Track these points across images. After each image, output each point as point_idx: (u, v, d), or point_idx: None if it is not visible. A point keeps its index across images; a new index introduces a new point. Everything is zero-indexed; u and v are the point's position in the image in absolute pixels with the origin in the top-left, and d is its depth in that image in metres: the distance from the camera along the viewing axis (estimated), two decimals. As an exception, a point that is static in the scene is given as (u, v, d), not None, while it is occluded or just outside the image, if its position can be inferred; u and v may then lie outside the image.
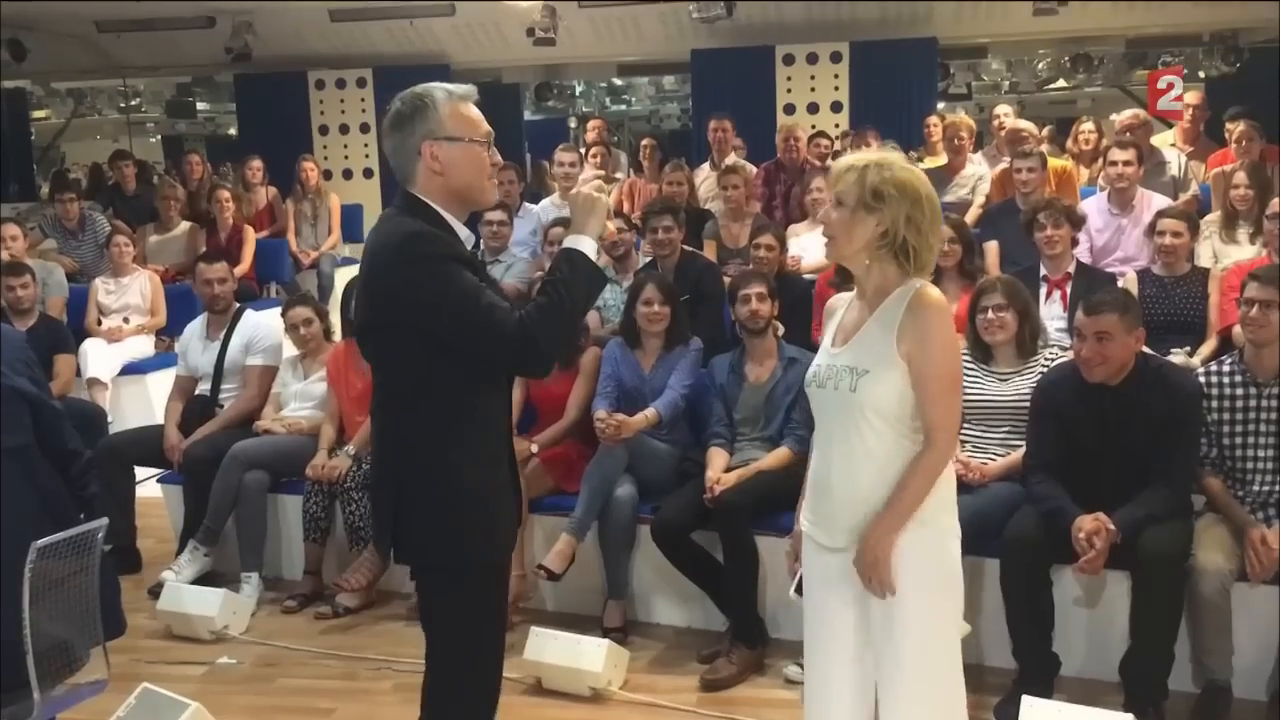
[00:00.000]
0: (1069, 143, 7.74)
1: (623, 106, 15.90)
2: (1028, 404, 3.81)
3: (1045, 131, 8.99)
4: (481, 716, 2.56)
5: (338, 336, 5.20)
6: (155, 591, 4.64)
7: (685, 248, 5.46)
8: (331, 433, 4.88)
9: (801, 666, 3.01)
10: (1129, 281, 4.92)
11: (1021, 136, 7.02)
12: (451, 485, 2.40)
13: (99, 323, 6.88)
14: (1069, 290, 4.90)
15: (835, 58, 10.27)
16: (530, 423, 4.69)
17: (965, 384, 3.83)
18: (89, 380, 6.43)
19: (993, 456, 3.93)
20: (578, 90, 15.00)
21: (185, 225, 8.18)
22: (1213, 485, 3.66)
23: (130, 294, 7.00)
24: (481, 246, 5.78)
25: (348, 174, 11.38)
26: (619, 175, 8.48)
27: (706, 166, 7.73)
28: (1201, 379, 3.71)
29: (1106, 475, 3.54)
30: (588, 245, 2.42)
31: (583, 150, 8.25)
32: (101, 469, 4.10)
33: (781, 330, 4.50)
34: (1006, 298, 4.01)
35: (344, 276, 7.23)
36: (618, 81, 15.08)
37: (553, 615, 4.43)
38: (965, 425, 3.95)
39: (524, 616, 4.32)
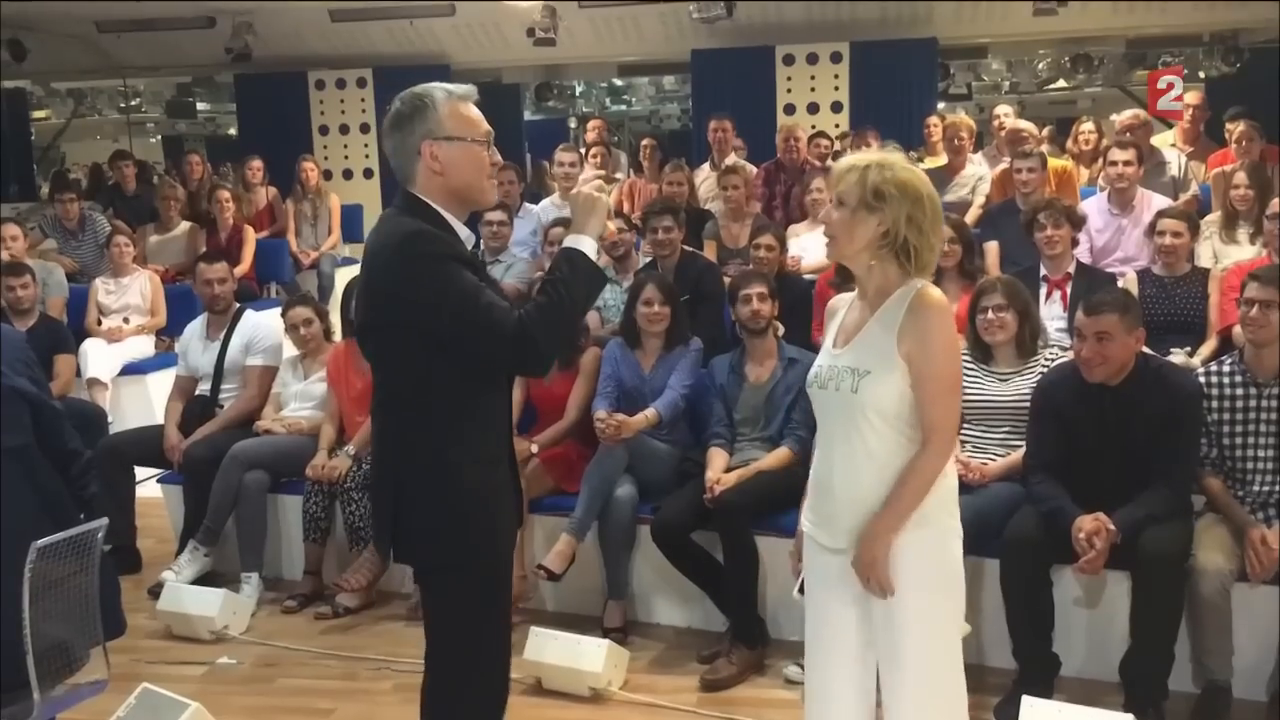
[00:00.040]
0: (1069, 143, 7.75)
1: (623, 107, 15.90)
2: (1028, 404, 3.81)
3: (1045, 132, 8.99)
4: (486, 718, 2.56)
5: (338, 336, 5.20)
6: (155, 591, 4.64)
7: (685, 248, 5.46)
8: (331, 433, 4.88)
9: (801, 667, 3.02)
10: (1129, 281, 4.92)
11: (1021, 137, 7.02)
12: (451, 485, 2.40)
13: (99, 323, 6.88)
14: (1069, 290, 4.90)
15: (835, 58, 10.27)
16: (530, 423, 4.69)
17: (965, 384, 3.83)
18: (89, 380, 6.43)
19: (993, 456, 3.93)
20: (578, 90, 15.00)
21: (185, 225, 8.19)
22: (1213, 485, 3.66)
23: (130, 294, 7.00)
24: (481, 246, 5.78)
25: (348, 174, 11.37)
26: (619, 175, 8.48)
27: (706, 167, 7.73)
28: (1201, 379, 3.71)
29: (1106, 475, 3.54)
30: (588, 245, 2.42)
31: (583, 150, 8.25)
32: (101, 469, 4.10)
33: (781, 330, 4.50)
34: (1006, 298, 4.01)
35: (344, 276, 7.23)
36: (618, 82, 15.09)
37: (553, 615, 4.43)
38: (965, 425, 3.95)
39: (524, 616, 4.31)
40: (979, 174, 7.01)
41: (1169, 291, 4.86)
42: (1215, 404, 3.66)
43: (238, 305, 5.41)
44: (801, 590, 2.69)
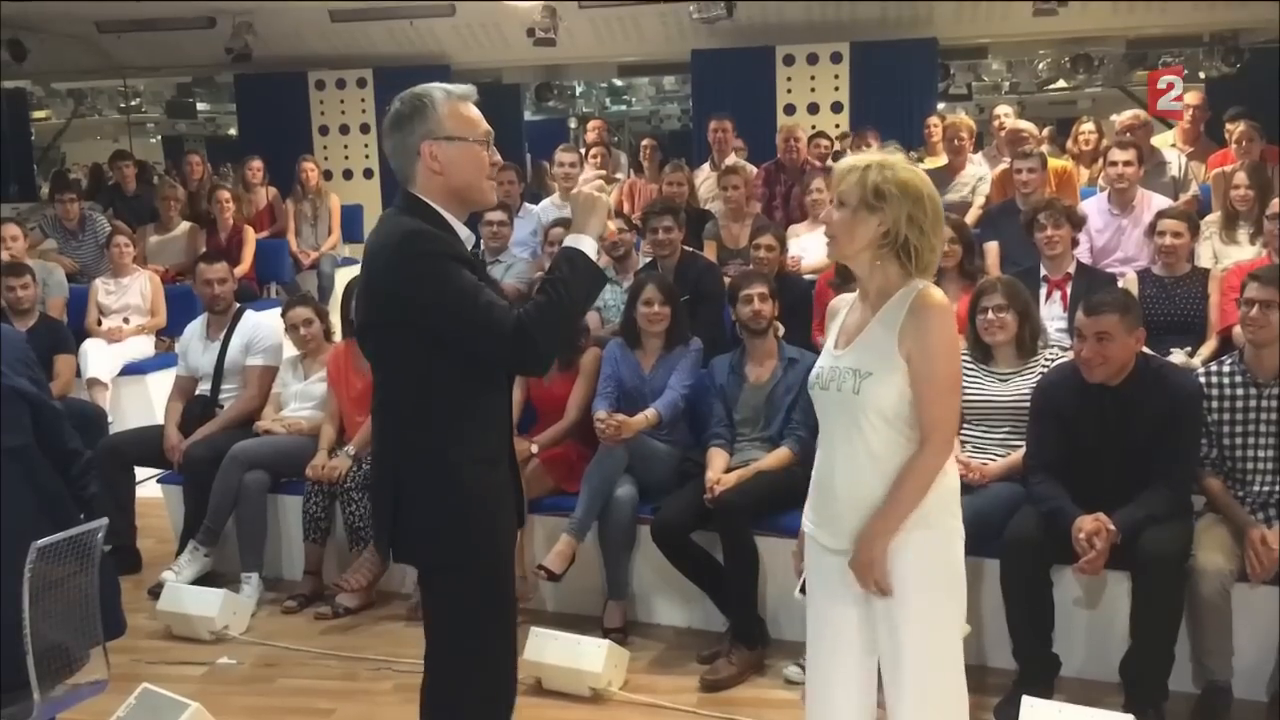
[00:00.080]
0: (1069, 143, 7.74)
1: (623, 107, 15.90)
2: (1028, 404, 3.81)
3: (1045, 132, 8.99)
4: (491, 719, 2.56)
5: (338, 337, 5.20)
6: (155, 592, 4.64)
7: (685, 248, 5.46)
8: (331, 433, 4.88)
9: (802, 667, 3.02)
10: (1129, 282, 4.92)
11: (1021, 137, 7.01)
12: (452, 485, 2.40)
13: (99, 323, 6.88)
14: (1069, 290, 4.90)
15: (835, 58, 10.27)
16: (530, 423, 4.69)
17: (965, 384, 3.83)
18: (89, 380, 6.43)
19: (993, 457, 3.93)
20: (578, 91, 15.00)
21: (185, 225, 8.18)
22: (1213, 485, 3.66)
23: (130, 294, 7.00)
24: (481, 247, 5.78)
25: (348, 174, 11.38)
26: (619, 175, 8.48)
27: (707, 167, 7.73)
28: (1201, 379, 3.71)
29: (1107, 475, 3.54)
30: (588, 245, 2.42)
31: (583, 150, 8.25)
32: (101, 469, 4.10)
33: (782, 331, 4.50)
34: (1006, 298, 4.01)
35: (344, 277, 7.23)
36: (618, 82, 15.09)
37: (553, 615, 4.43)
38: (965, 425, 3.95)
39: (524, 617, 4.28)
40: (979, 174, 7.00)
41: (1169, 292, 4.86)
42: (1215, 404, 3.66)
43: (238, 305, 5.41)
44: (803, 590, 2.69)
